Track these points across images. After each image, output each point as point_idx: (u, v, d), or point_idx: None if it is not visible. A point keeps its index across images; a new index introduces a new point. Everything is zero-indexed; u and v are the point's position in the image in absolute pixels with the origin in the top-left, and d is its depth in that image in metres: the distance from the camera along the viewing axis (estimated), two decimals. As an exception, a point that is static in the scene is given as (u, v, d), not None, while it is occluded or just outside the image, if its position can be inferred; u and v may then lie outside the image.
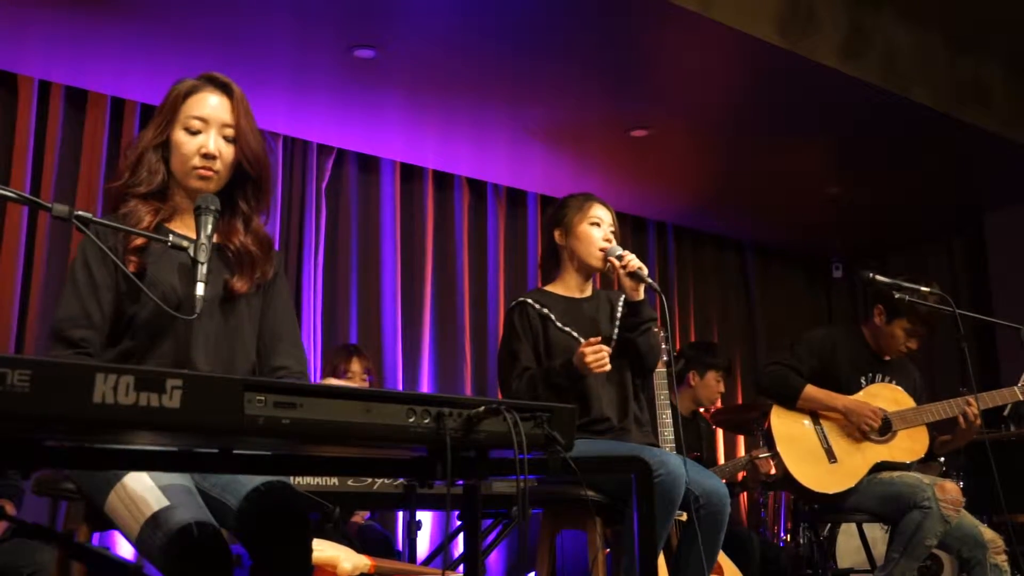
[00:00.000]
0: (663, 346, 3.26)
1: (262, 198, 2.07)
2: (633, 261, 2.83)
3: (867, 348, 3.59)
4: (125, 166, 2.01)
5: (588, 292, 3.03)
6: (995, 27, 5.21)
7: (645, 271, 2.84)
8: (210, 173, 1.98)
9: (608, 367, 2.72)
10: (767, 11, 4.35)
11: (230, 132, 2.00)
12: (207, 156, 1.97)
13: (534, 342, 2.88)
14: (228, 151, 2.00)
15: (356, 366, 4.24)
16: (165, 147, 2.01)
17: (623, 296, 2.96)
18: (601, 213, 2.98)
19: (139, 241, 1.92)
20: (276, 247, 5.25)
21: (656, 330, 3.03)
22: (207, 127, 1.98)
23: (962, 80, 5.29)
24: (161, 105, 2.03)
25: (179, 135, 1.99)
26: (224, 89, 2.03)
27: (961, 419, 3.38)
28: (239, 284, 1.99)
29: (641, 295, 2.87)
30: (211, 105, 2.00)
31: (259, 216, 2.09)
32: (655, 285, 2.83)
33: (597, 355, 2.71)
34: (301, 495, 1.81)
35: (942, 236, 7.06)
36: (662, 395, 3.37)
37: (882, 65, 4.83)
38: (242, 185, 2.05)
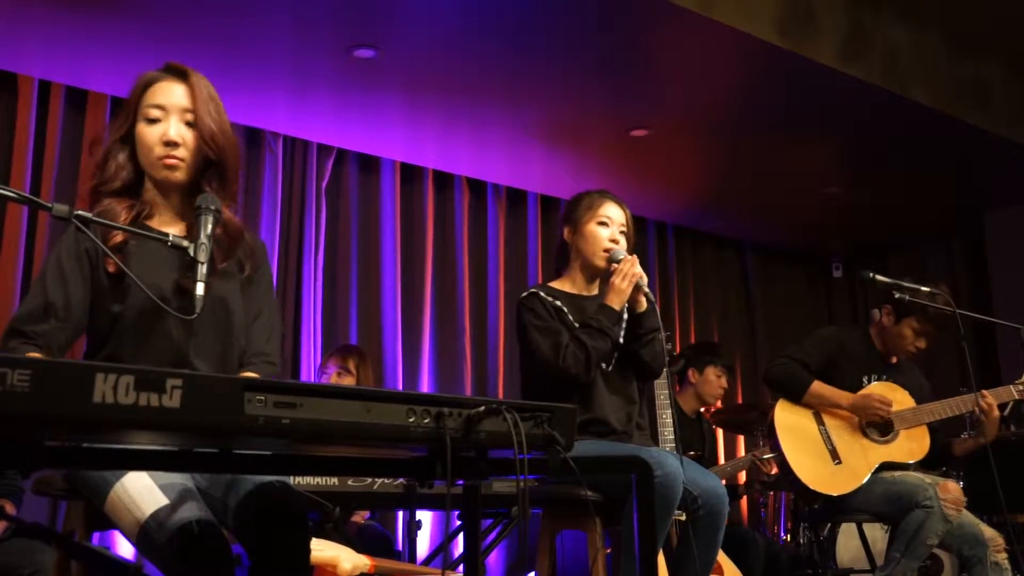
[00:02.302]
0: (663, 336, 3.25)
1: (226, 183, 1.99)
2: (634, 268, 2.82)
3: (874, 350, 3.59)
4: (95, 164, 1.98)
5: (595, 291, 3.01)
6: (995, 27, 5.21)
7: (645, 280, 2.83)
8: (174, 161, 1.93)
9: (641, 272, 2.79)
10: (767, 11, 4.35)
11: (190, 117, 1.95)
12: (169, 144, 1.93)
13: None
14: (191, 136, 1.95)
15: (331, 364, 4.21)
16: (130, 142, 1.97)
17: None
18: (611, 212, 2.95)
19: (117, 239, 1.89)
20: (276, 247, 5.22)
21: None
22: (167, 115, 1.94)
23: (962, 80, 5.29)
24: (125, 101, 2.00)
25: (140, 127, 1.95)
26: (181, 76, 1.98)
27: (978, 412, 3.38)
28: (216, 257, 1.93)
29: (644, 306, 2.86)
30: (169, 92, 1.96)
31: (225, 202, 1.96)
32: (652, 296, 2.83)
33: (625, 270, 2.78)
34: (300, 495, 1.81)
35: (942, 236, 7.06)
36: (662, 395, 3.38)
37: (882, 65, 4.83)
38: (207, 172, 1.98)
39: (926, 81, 5.03)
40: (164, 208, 2.00)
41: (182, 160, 1.94)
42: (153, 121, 1.94)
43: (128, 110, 1.98)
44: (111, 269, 1.89)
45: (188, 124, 1.95)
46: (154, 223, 1.98)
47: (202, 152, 1.95)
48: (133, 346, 1.90)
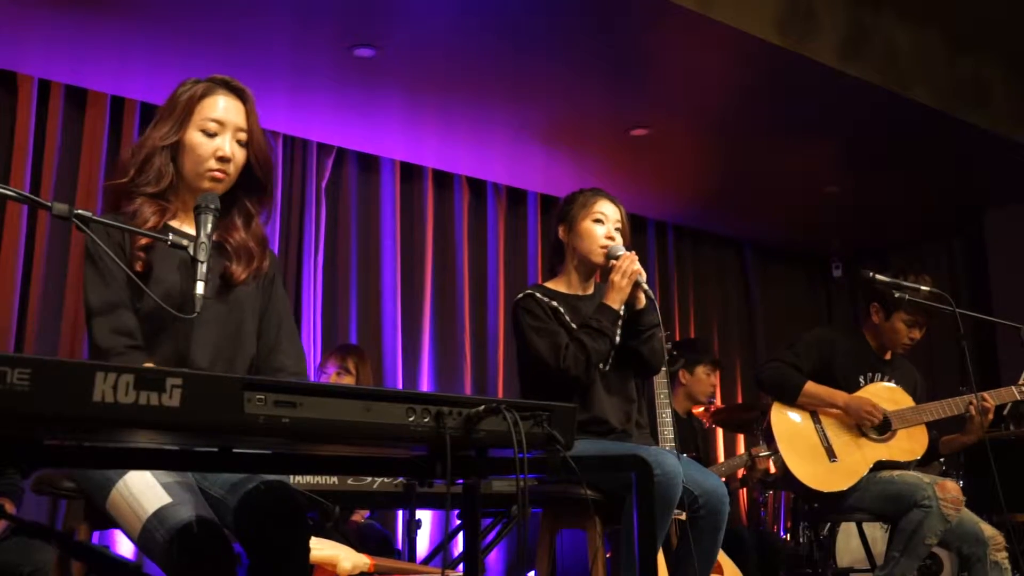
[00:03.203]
0: (662, 334, 3.25)
1: (265, 199, 2.12)
2: (632, 265, 2.81)
3: (868, 348, 3.59)
4: (132, 164, 2.01)
5: (591, 290, 3.00)
6: (995, 27, 5.21)
7: (644, 276, 2.82)
8: (223, 176, 2.01)
9: (640, 269, 2.78)
10: (767, 11, 4.35)
11: (243, 136, 2.03)
12: (223, 159, 1.99)
13: None
14: (240, 154, 2.03)
15: (331, 364, 4.21)
16: (175, 147, 2.01)
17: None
18: (607, 210, 2.94)
19: (144, 239, 1.93)
20: (276, 247, 5.24)
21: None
22: (223, 130, 2.01)
23: (962, 80, 5.29)
24: (171, 105, 2.04)
25: (194, 136, 2.00)
26: (239, 94, 2.06)
27: (974, 412, 3.38)
28: (237, 271, 2.01)
29: (643, 302, 2.85)
30: (227, 109, 2.03)
31: (259, 216, 2.12)
32: (651, 293, 2.83)
33: (624, 267, 2.76)
34: (299, 494, 1.81)
35: (942, 236, 7.06)
36: (662, 394, 3.38)
37: (882, 65, 4.83)
38: (248, 186, 2.08)
39: (926, 81, 5.04)
40: (188, 209, 2.03)
41: (228, 175, 2.02)
42: (210, 135, 2.00)
43: (178, 116, 2.02)
44: (139, 267, 1.92)
45: (239, 142, 2.03)
46: (176, 223, 2.03)
47: (246, 170, 2.05)
48: (146, 341, 1.92)
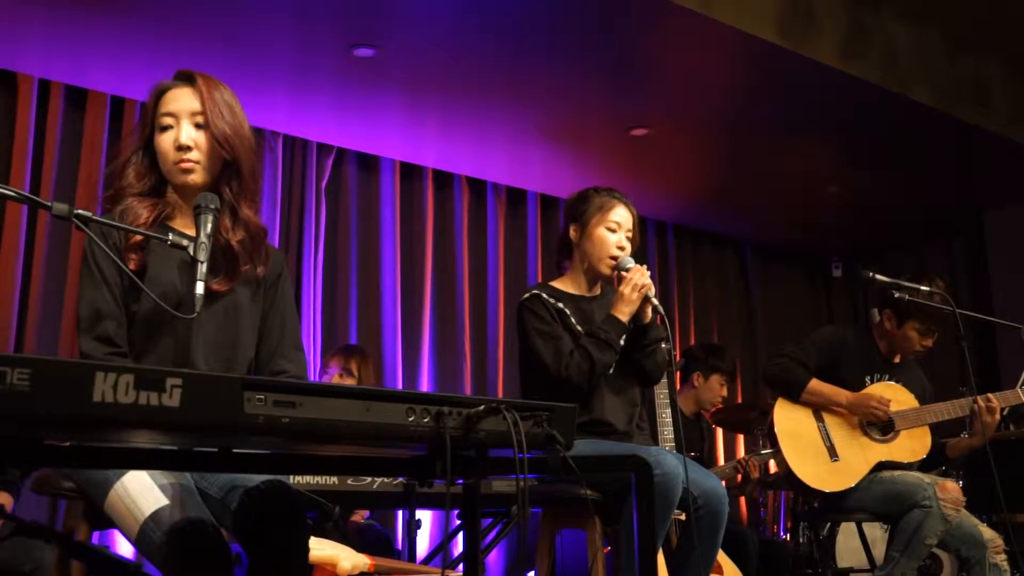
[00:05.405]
0: (664, 345, 3.25)
1: (243, 183, 2.00)
2: (642, 279, 2.79)
3: (876, 350, 3.58)
4: (114, 176, 2.02)
5: (598, 291, 2.99)
6: (995, 27, 5.21)
7: (653, 291, 2.81)
8: (189, 164, 1.95)
9: (650, 283, 2.76)
10: (767, 11, 4.35)
11: (201, 119, 1.96)
12: (181, 148, 1.95)
13: None
14: (203, 138, 1.96)
15: (333, 364, 4.20)
16: (151, 151, 2.00)
17: None
18: (620, 217, 2.92)
19: (139, 237, 1.91)
20: (276, 246, 5.24)
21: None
22: (178, 120, 1.96)
23: (962, 80, 5.29)
24: (141, 114, 2.05)
25: (157, 137, 1.98)
26: (189, 80, 2.00)
27: (984, 414, 3.36)
28: (217, 285, 1.95)
29: (650, 316, 2.84)
30: (177, 98, 1.98)
31: (245, 202, 2.01)
32: (659, 307, 2.81)
33: (635, 280, 2.73)
34: (299, 494, 1.81)
35: (942, 236, 7.06)
36: (662, 394, 3.37)
37: (882, 65, 4.83)
38: (226, 173, 2.00)
39: (926, 80, 5.04)
40: (186, 211, 2.01)
41: (196, 163, 1.96)
42: (166, 128, 1.97)
43: (145, 120, 2.01)
44: (131, 267, 1.90)
45: (199, 126, 1.96)
46: (177, 225, 2.00)
47: (217, 153, 1.97)
48: (143, 342, 1.92)
